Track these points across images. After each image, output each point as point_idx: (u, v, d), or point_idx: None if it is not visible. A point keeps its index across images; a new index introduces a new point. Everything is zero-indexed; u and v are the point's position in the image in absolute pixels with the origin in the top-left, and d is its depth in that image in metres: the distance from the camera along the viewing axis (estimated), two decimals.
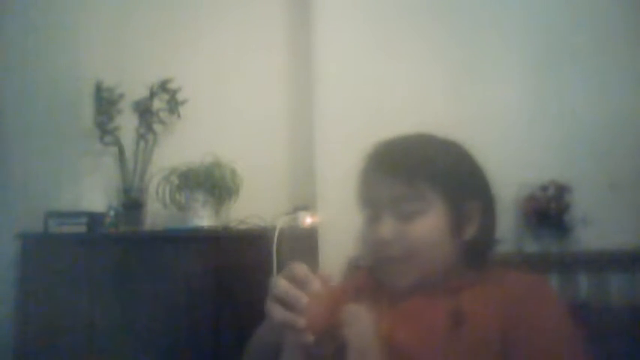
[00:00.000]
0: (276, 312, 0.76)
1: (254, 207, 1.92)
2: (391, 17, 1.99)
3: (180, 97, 2.06)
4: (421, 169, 0.89)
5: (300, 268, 0.78)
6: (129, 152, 2.05)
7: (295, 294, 0.76)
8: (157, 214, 1.99)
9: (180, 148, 2.05)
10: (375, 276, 0.94)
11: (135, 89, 2.04)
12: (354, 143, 1.88)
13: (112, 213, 1.94)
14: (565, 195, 1.79)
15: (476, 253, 0.91)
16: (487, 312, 0.82)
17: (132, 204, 1.98)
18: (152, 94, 2.04)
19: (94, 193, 2.06)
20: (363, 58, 1.96)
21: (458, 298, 0.85)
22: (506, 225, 1.70)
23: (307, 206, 1.90)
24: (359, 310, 0.83)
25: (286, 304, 0.76)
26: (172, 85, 2.04)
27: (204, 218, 1.87)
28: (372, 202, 0.91)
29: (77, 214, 1.89)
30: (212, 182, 1.86)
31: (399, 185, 0.88)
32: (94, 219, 1.89)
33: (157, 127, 2.07)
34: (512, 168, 1.67)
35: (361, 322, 0.82)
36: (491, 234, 0.94)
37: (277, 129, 2.11)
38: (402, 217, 0.88)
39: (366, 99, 1.94)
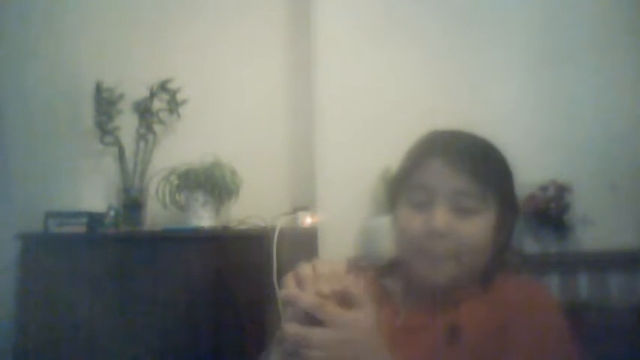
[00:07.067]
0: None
1: (254, 207, 1.92)
2: (390, 18, 1.99)
3: (180, 97, 2.05)
4: (489, 169, 0.87)
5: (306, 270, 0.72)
6: (129, 152, 2.05)
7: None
8: (157, 214, 1.99)
9: (180, 148, 2.05)
10: (407, 270, 0.90)
11: (135, 89, 2.03)
12: (353, 144, 1.93)
13: (112, 213, 1.94)
14: (565, 195, 1.79)
15: (495, 263, 0.89)
16: (486, 324, 0.81)
17: (132, 204, 1.98)
18: (152, 94, 2.04)
19: (94, 193, 2.06)
20: (363, 60, 1.97)
21: (457, 312, 0.84)
22: None
23: (307, 206, 1.90)
24: None
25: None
26: (172, 85, 2.04)
27: (204, 218, 1.87)
28: (428, 188, 0.86)
29: (77, 214, 1.88)
30: (212, 182, 1.86)
31: (465, 178, 0.84)
32: (94, 219, 1.89)
33: (157, 127, 2.07)
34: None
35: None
36: (508, 246, 0.93)
37: (277, 129, 2.11)
38: (458, 211, 0.85)
39: (365, 99, 1.94)
